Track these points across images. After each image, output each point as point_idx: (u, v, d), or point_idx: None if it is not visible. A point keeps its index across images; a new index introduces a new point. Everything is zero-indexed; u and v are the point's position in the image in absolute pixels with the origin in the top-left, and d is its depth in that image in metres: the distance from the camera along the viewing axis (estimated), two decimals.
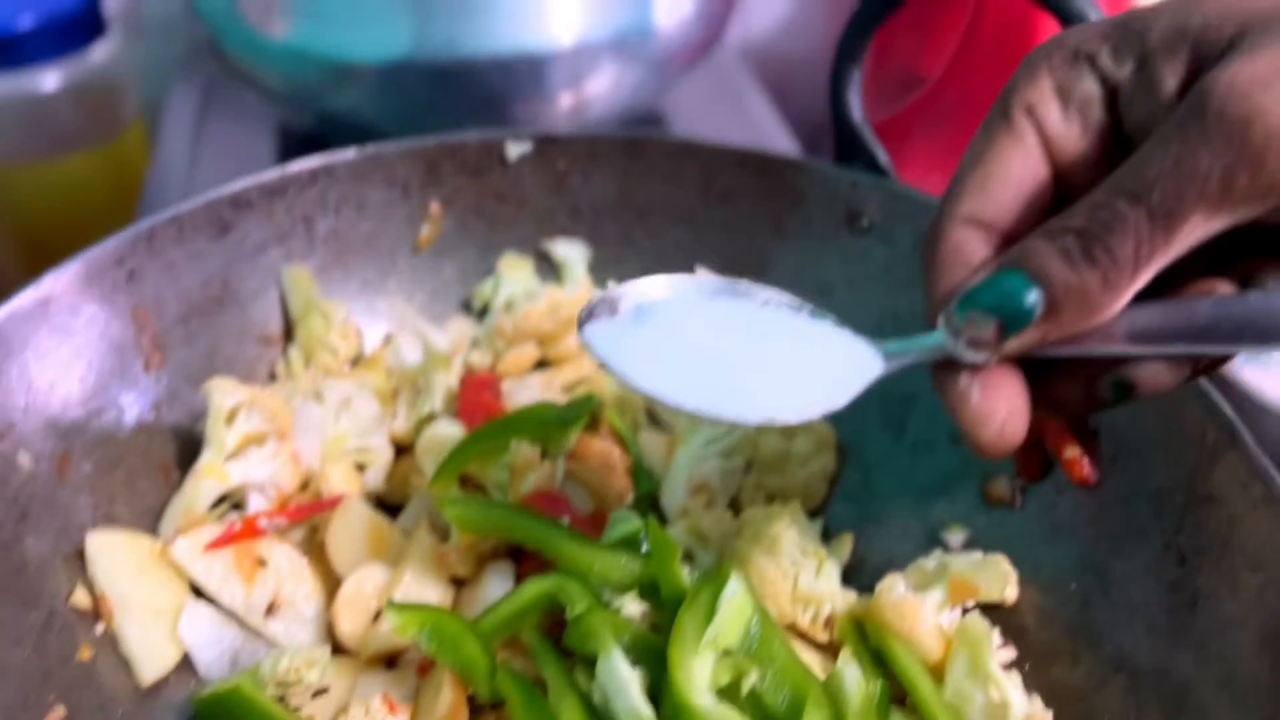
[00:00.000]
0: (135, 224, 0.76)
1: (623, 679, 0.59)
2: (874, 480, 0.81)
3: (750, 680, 0.58)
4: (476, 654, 0.63)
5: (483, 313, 0.88)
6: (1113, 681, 0.64)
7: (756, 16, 1.67)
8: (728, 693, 0.59)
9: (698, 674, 0.58)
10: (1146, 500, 0.67)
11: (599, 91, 1.10)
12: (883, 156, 0.84)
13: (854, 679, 0.60)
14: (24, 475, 0.68)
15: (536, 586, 0.65)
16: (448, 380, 0.80)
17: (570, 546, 0.65)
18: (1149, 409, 0.68)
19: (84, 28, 1.30)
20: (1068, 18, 0.74)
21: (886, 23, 1.48)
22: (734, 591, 0.61)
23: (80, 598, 0.68)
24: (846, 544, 0.77)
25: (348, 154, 0.84)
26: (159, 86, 1.48)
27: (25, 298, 0.71)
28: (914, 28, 1.38)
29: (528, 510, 0.68)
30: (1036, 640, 0.69)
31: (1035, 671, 0.67)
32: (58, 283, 0.72)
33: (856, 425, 0.82)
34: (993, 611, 0.70)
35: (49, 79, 1.28)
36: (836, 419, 0.81)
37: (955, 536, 0.75)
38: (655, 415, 0.84)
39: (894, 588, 0.67)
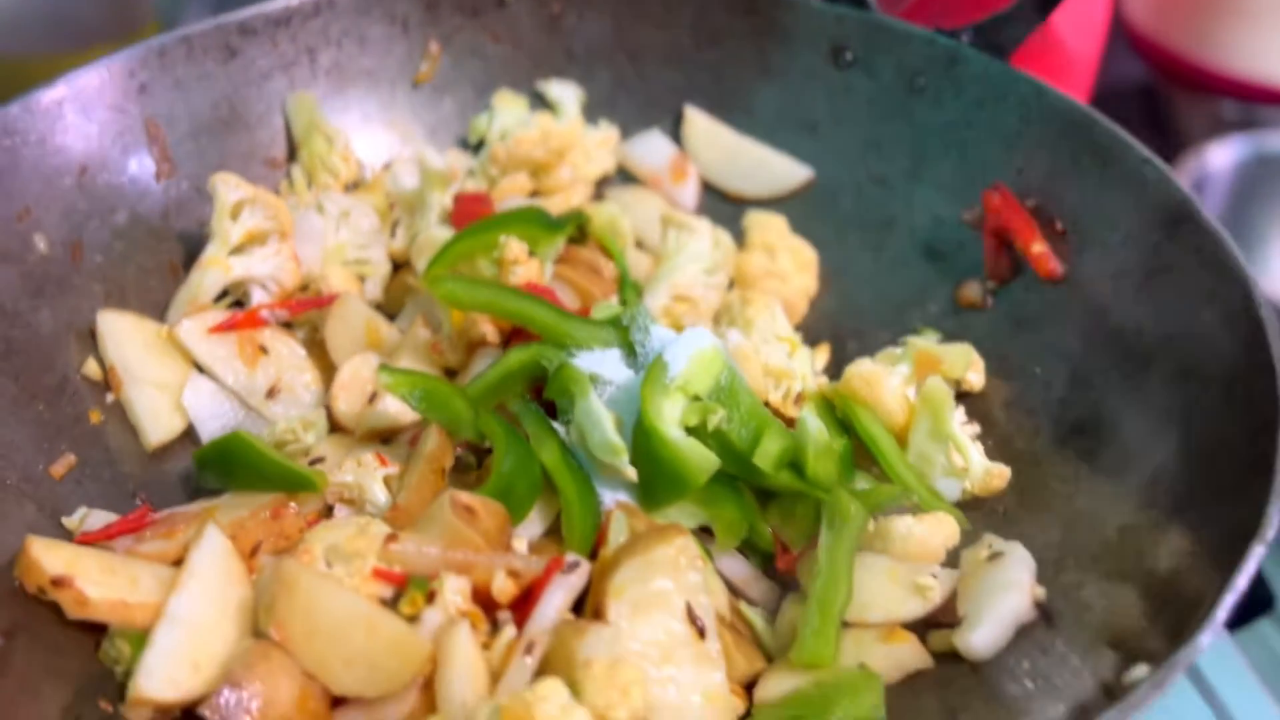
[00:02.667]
0: (145, 41, 0.80)
1: (599, 416, 0.62)
2: (853, 297, 0.84)
3: (716, 419, 0.61)
4: (463, 409, 0.66)
5: (478, 147, 0.91)
6: (1068, 444, 0.67)
7: None
8: (696, 433, 0.62)
9: (668, 410, 0.61)
10: (1108, 281, 0.70)
11: None
12: None
13: (815, 424, 0.63)
14: (39, 255, 0.72)
15: (520, 353, 0.68)
16: (443, 199, 0.84)
17: (552, 318, 0.69)
18: (1109, 196, 0.71)
19: None
20: None
21: None
22: (705, 343, 0.64)
23: (91, 369, 0.72)
24: (824, 352, 0.80)
25: None
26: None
27: (41, 95, 0.75)
28: None
29: (515, 290, 0.71)
30: (1002, 422, 0.72)
31: (1000, 447, 0.70)
32: (71, 86, 0.76)
33: (838, 248, 0.85)
34: (962, 399, 0.73)
35: None
36: (820, 243, 0.85)
37: (929, 338, 0.78)
38: (643, 243, 0.88)
39: (862, 364, 0.70)
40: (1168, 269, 0.67)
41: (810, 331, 0.83)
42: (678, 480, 0.60)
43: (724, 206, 0.90)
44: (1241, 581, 0.48)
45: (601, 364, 0.67)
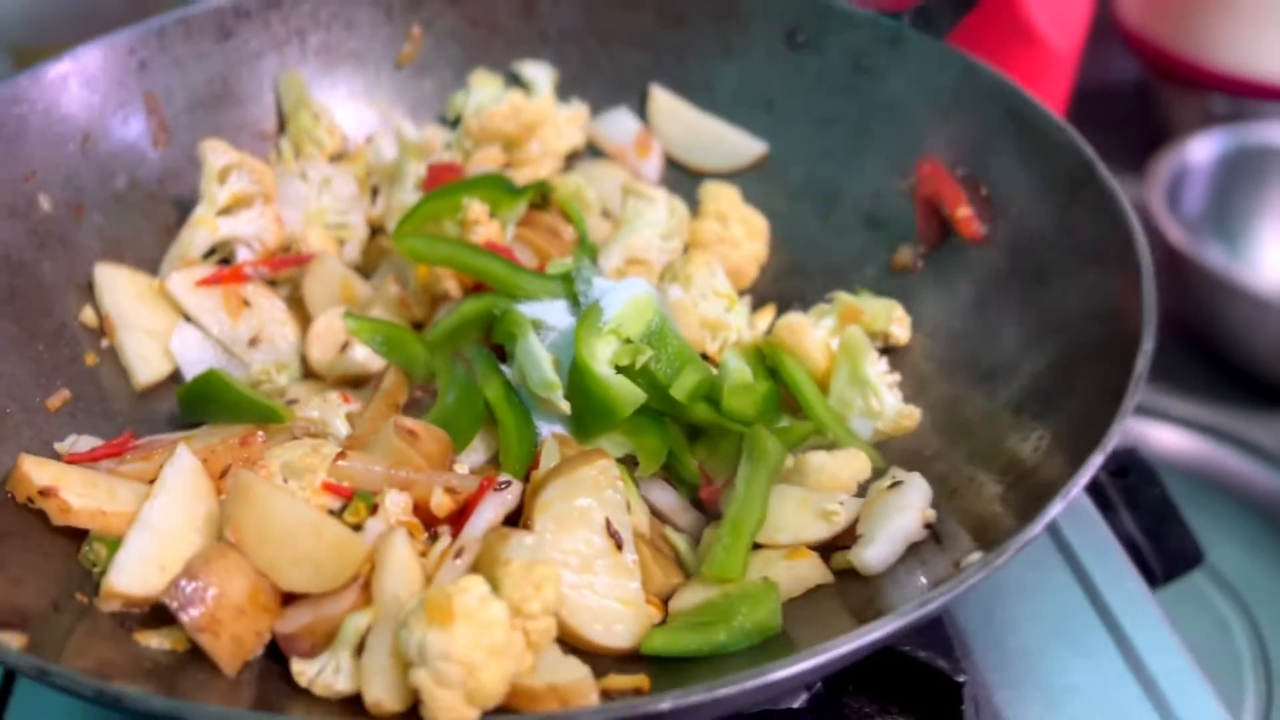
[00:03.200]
0: (145, 21, 0.87)
1: (537, 356, 0.68)
2: (799, 262, 0.89)
3: (643, 358, 0.67)
4: (420, 353, 0.73)
5: (455, 123, 0.98)
6: (978, 389, 0.72)
7: None
8: (626, 372, 0.68)
9: (600, 350, 0.67)
10: (1023, 242, 0.75)
11: None
12: None
13: (735, 364, 0.69)
14: (43, 213, 0.79)
15: (474, 303, 0.74)
16: (419, 170, 0.90)
17: (504, 271, 0.75)
18: (1028, 163, 0.76)
19: None
20: None
21: None
22: (639, 290, 0.70)
23: (88, 316, 0.79)
24: (769, 313, 0.86)
25: None
26: None
27: (48, 68, 0.82)
28: None
29: (474, 246, 0.77)
30: (923, 369, 0.77)
31: (919, 391, 0.75)
32: (76, 61, 0.84)
33: (789, 219, 0.91)
34: (888, 353, 0.78)
35: None
36: (773, 214, 0.91)
37: (862, 299, 0.83)
38: (609, 214, 0.93)
39: (790, 316, 0.75)
40: (1071, 228, 0.71)
41: (759, 294, 0.88)
42: (606, 412, 0.66)
43: (685, 179, 0.96)
44: (1080, 482, 0.53)
45: (548, 312, 0.73)
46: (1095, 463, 0.53)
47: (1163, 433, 1.23)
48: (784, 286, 0.88)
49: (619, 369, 0.68)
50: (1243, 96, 1.65)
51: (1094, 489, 0.87)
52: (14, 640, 0.51)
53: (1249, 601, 1.08)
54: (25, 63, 1.45)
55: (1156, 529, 0.88)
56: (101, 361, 0.78)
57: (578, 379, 0.66)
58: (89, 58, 0.84)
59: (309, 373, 0.80)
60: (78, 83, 0.83)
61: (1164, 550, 0.88)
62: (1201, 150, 1.55)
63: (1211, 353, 1.39)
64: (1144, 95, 1.84)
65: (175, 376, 0.79)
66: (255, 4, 0.92)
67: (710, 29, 0.95)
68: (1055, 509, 0.52)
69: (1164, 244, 1.35)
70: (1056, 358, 0.67)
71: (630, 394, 0.66)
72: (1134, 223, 0.66)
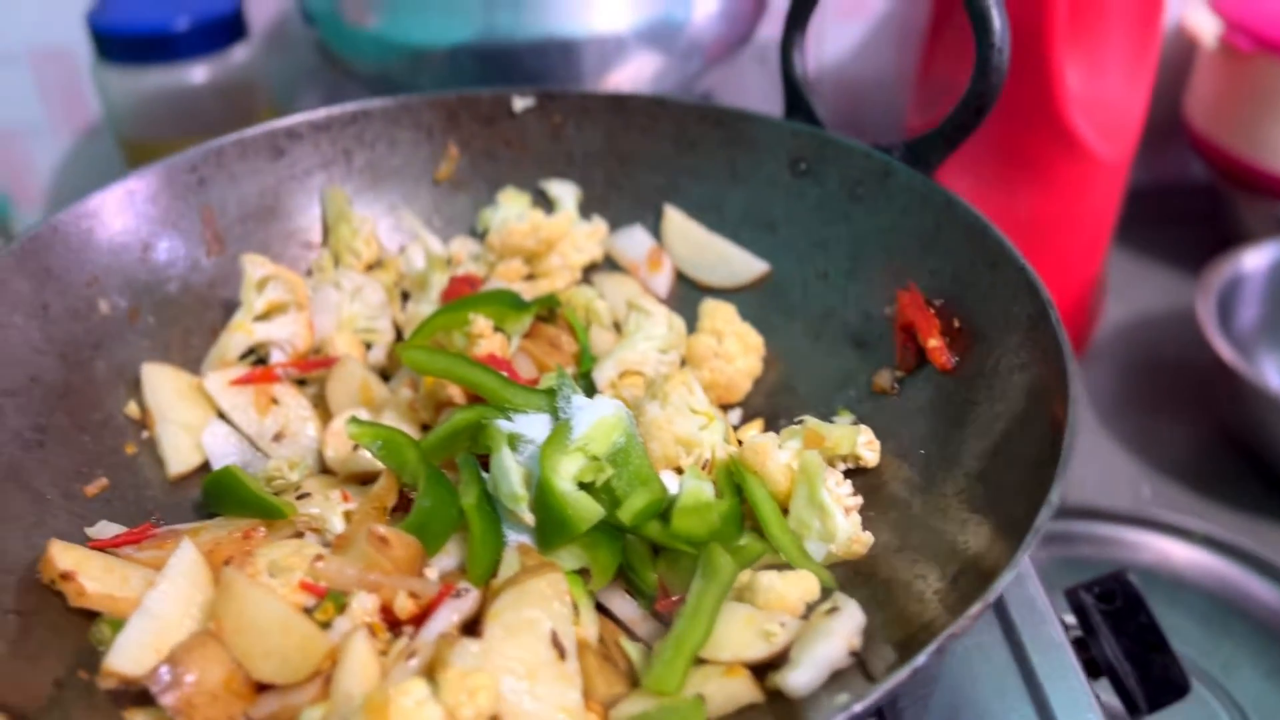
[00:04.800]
0: (206, 142, 0.98)
1: (508, 468, 0.74)
2: (790, 379, 0.94)
3: (603, 476, 0.72)
4: (413, 459, 0.79)
5: (484, 235, 1.06)
6: (940, 513, 0.75)
7: (830, 44, 1.82)
8: (589, 489, 0.73)
9: (564, 468, 0.73)
10: (983, 376, 0.78)
11: (627, 77, 1.28)
12: (820, 110, 0.98)
13: (691, 484, 0.74)
14: (101, 315, 0.89)
15: (465, 414, 0.81)
16: (442, 281, 0.98)
17: (494, 384, 0.81)
18: (995, 299, 0.80)
19: (229, 31, 1.55)
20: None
21: (933, 39, 1.62)
22: (608, 410, 0.75)
23: (132, 409, 0.88)
24: (756, 427, 0.90)
25: (384, 101, 1.04)
26: (289, 90, 1.74)
27: (116, 187, 0.93)
28: (953, 42, 1.51)
29: (470, 360, 0.84)
30: (893, 493, 0.80)
31: (885, 512, 0.79)
32: (142, 179, 0.94)
33: (784, 335, 0.95)
34: (858, 474, 0.82)
35: (198, 72, 1.53)
36: (770, 330, 0.96)
37: (843, 420, 0.87)
38: (620, 324, 1.00)
39: (756, 437, 0.80)
40: (1024, 365, 0.75)
41: (751, 409, 0.93)
42: (564, 526, 0.71)
43: (692, 294, 1.01)
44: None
45: (530, 426, 0.79)
46: (1019, 558, 0.57)
47: (1185, 550, 1.22)
48: (775, 402, 0.93)
49: (582, 485, 0.73)
50: None
51: (1079, 614, 0.88)
52: None
53: None
54: (133, 155, 1.61)
55: (1142, 657, 0.89)
56: (140, 451, 0.87)
57: (540, 493, 0.72)
58: (154, 176, 0.95)
59: (324, 468, 0.87)
60: (142, 198, 0.94)
61: (1149, 679, 0.88)
62: (1256, 259, 1.54)
63: (1264, 468, 1.37)
64: (1213, 198, 1.83)
65: (205, 467, 0.88)
66: (306, 126, 1.02)
67: (721, 155, 1.02)
68: (939, 642, 0.56)
69: (1213, 357, 1.35)
70: (998, 480, 0.70)
71: (588, 510, 0.71)
72: (1072, 366, 0.69)
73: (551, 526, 0.72)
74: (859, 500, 0.78)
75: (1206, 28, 1.68)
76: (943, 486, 0.76)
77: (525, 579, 0.67)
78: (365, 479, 0.86)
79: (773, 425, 0.90)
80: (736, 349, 0.93)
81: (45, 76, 1.71)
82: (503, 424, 0.77)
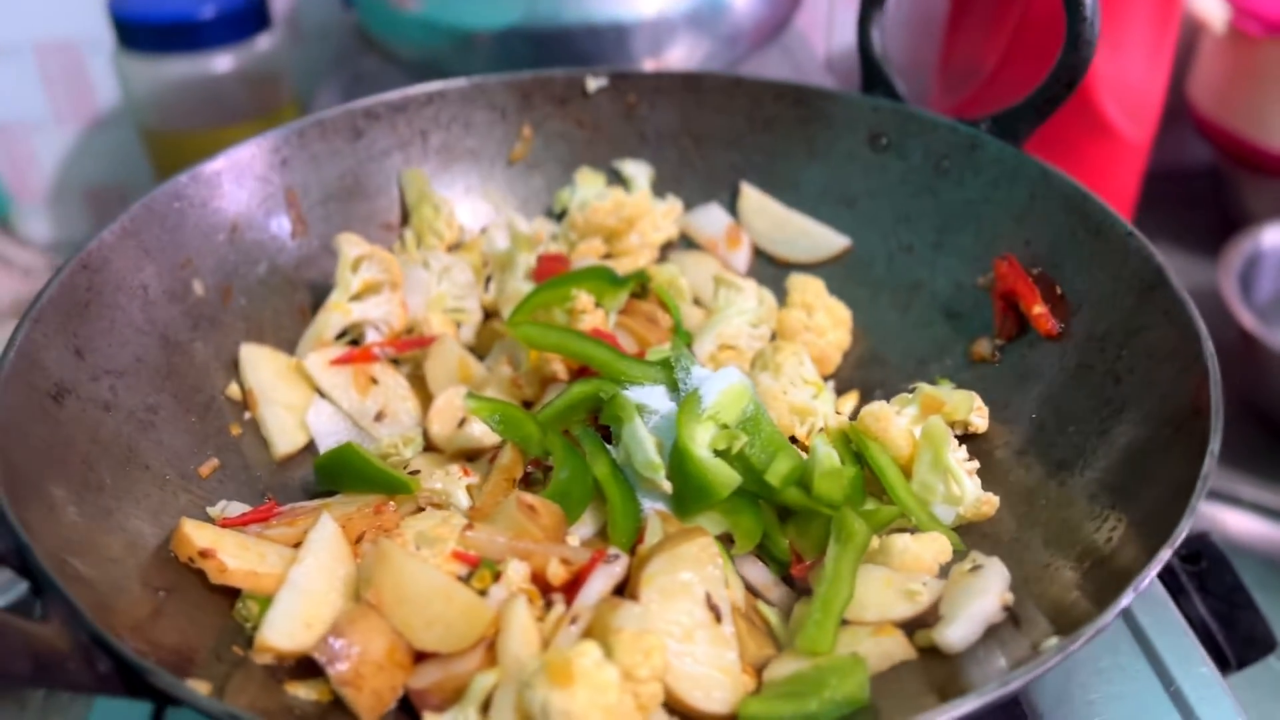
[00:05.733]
0: (287, 124, 0.97)
1: (642, 438, 0.75)
2: (882, 352, 0.95)
3: (739, 443, 0.73)
4: (534, 431, 0.80)
5: (561, 216, 1.06)
6: (1053, 478, 0.77)
7: (839, 33, 1.84)
8: (723, 456, 0.74)
9: (699, 435, 0.74)
10: (1095, 340, 0.80)
11: (675, 58, 1.28)
12: (900, 86, 1.00)
13: (824, 449, 0.74)
14: (196, 297, 0.88)
15: (583, 386, 0.81)
16: (529, 259, 0.98)
17: (610, 357, 0.82)
18: (1100, 265, 0.82)
19: (253, 20, 1.54)
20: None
21: (955, 19, 1.63)
22: (734, 379, 0.76)
23: (233, 391, 0.87)
24: (852, 398, 0.91)
25: (459, 82, 1.04)
26: (310, 80, 1.73)
27: (203, 169, 0.92)
28: (975, 26, 1.54)
29: (582, 334, 0.84)
30: (1002, 459, 0.82)
31: (996, 478, 0.80)
32: (229, 159, 0.93)
33: (870, 308, 0.97)
34: (967, 440, 0.83)
35: (222, 61, 1.52)
36: (855, 303, 0.97)
37: (943, 388, 0.88)
38: (700, 301, 1.00)
39: (875, 405, 0.81)
40: (1143, 328, 0.76)
41: (842, 381, 0.94)
42: (704, 493, 0.72)
43: (771, 270, 1.02)
44: (1149, 574, 0.58)
45: (650, 397, 0.80)
46: (1164, 556, 0.58)
47: (1237, 517, 1.25)
48: (866, 374, 0.94)
49: (716, 453, 0.74)
50: None
51: (1166, 573, 0.90)
52: (202, 686, 0.58)
53: None
54: (155, 145, 1.59)
55: (1229, 615, 0.91)
56: (244, 432, 0.86)
57: (678, 461, 0.73)
58: (240, 156, 0.94)
59: (429, 446, 0.87)
60: (229, 179, 0.93)
61: (1237, 636, 0.91)
62: (1275, 236, 1.58)
63: None
64: (1217, 179, 1.87)
65: (309, 447, 0.87)
66: (383, 107, 1.01)
67: (798, 133, 1.03)
68: (1126, 599, 0.57)
69: (1237, 328, 1.39)
70: (1128, 451, 0.72)
71: (727, 477, 0.72)
72: (1202, 329, 0.71)
73: (691, 493, 0.72)
74: (976, 463, 0.80)
75: (1214, 13, 1.72)
76: (1063, 453, 0.77)
77: (676, 543, 0.68)
78: (471, 455, 0.86)
79: (868, 396, 0.92)
80: (827, 322, 0.94)
81: (50, 69, 1.68)
82: (631, 396, 0.78)
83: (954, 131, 0.94)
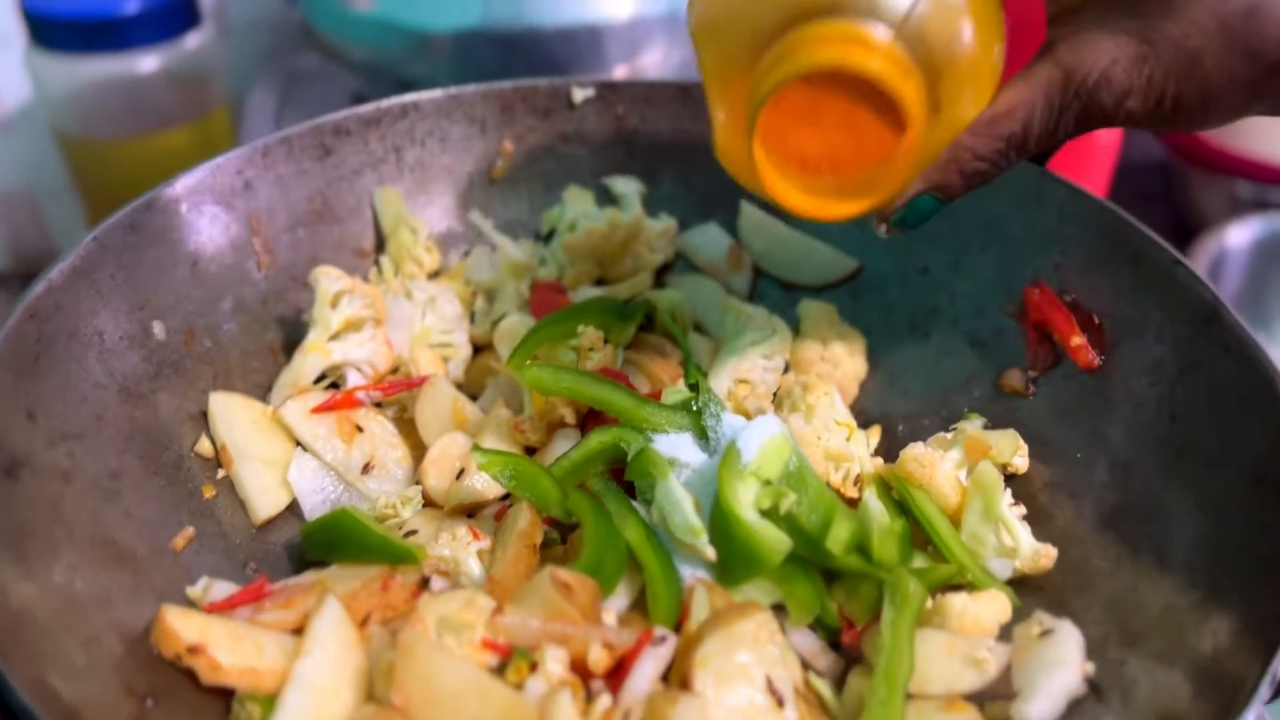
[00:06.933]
0: (251, 142, 0.87)
1: (679, 498, 0.68)
2: (901, 381, 0.89)
3: (787, 503, 0.67)
4: (550, 488, 0.72)
5: (549, 237, 0.98)
6: (1110, 526, 0.72)
7: None
8: (768, 515, 0.68)
9: (743, 495, 0.67)
10: (1143, 374, 0.76)
11: (651, 62, 1.21)
12: None
13: (878, 507, 0.69)
14: (157, 341, 0.79)
15: (601, 436, 0.74)
16: (520, 288, 0.90)
17: (630, 403, 0.75)
18: (1143, 294, 0.77)
19: (181, 16, 1.42)
20: None
21: None
22: (774, 431, 0.70)
23: (204, 446, 0.78)
24: (875, 434, 0.86)
25: (434, 93, 0.95)
26: (243, 80, 1.61)
27: (159, 196, 0.82)
28: None
29: (596, 376, 0.77)
30: (1045, 503, 0.77)
31: (1043, 525, 0.75)
32: (186, 185, 0.83)
33: (885, 334, 0.91)
34: (1007, 481, 0.78)
35: (148, 62, 1.40)
36: (868, 329, 0.91)
37: (973, 423, 0.83)
38: (701, 328, 0.94)
39: (916, 448, 0.76)
40: (1199, 364, 0.72)
41: (862, 414, 0.88)
42: (754, 560, 0.65)
43: (777, 293, 0.96)
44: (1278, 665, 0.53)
45: (677, 448, 0.73)
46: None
47: None
48: (887, 406, 0.89)
49: (762, 513, 0.68)
50: (1268, 183, 1.69)
51: None
52: None
53: None
54: (72, 153, 1.46)
55: None
56: (219, 494, 0.77)
57: (723, 524, 0.66)
58: (199, 181, 0.84)
59: (424, 500, 0.79)
60: (187, 206, 0.83)
61: None
62: (1239, 235, 1.58)
63: None
64: (1168, 176, 1.87)
65: (291, 506, 0.78)
66: (354, 121, 0.92)
67: None
68: (1262, 691, 0.52)
69: None
70: (1199, 504, 0.67)
71: (778, 542, 0.66)
72: (1271, 366, 0.67)
73: (739, 561, 0.66)
74: (1023, 509, 0.75)
75: None
76: (1119, 497, 0.73)
77: (731, 621, 0.62)
78: (472, 510, 0.78)
79: (891, 432, 0.86)
80: (842, 351, 0.89)
81: None
82: (659, 448, 0.71)
83: None
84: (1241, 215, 1.63)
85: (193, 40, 1.44)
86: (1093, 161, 1.50)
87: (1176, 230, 1.60)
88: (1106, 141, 1.50)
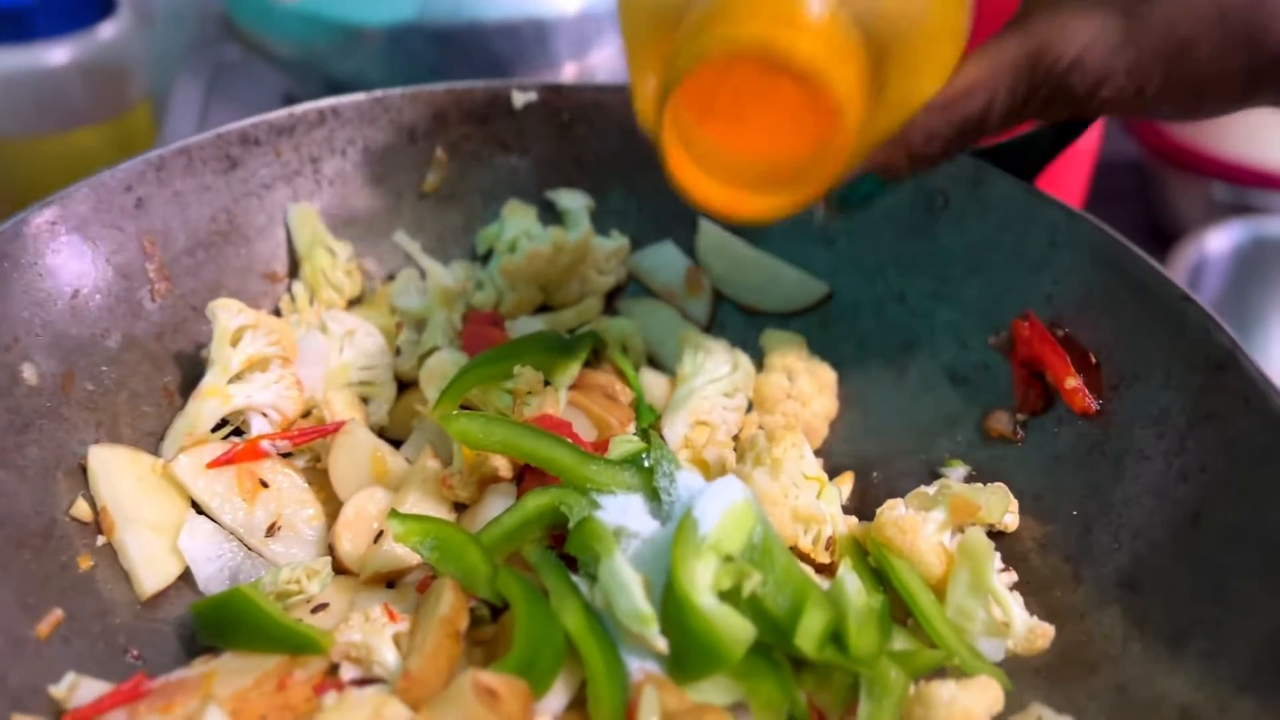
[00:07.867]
0: (145, 153, 0.77)
1: (625, 580, 0.59)
2: (876, 421, 0.81)
3: (751, 584, 0.58)
4: (478, 562, 0.63)
5: (486, 257, 0.89)
6: (1114, 600, 0.64)
7: None
8: (729, 598, 0.59)
9: (700, 575, 0.58)
10: (1148, 423, 0.67)
11: (602, 60, 1.12)
12: None
13: (854, 586, 0.60)
14: (28, 388, 0.68)
15: (539, 498, 0.65)
16: (452, 317, 0.81)
17: (572, 459, 0.66)
18: (1147, 332, 0.69)
19: (93, 5, 1.31)
20: None
21: None
22: (736, 497, 0.61)
23: (81, 509, 0.68)
24: (847, 481, 0.77)
25: (356, 97, 0.85)
26: (164, 73, 1.50)
27: (30, 220, 0.71)
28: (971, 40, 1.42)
29: (532, 427, 0.68)
30: (1038, 566, 0.69)
31: (1037, 595, 0.67)
32: (67, 204, 0.73)
33: (858, 368, 0.83)
34: (994, 540, 0.70)
35: (58, 53, 1.28)
36: (839, 362, 0.82)
37: (956, 472, 0.75)
38: (656, 359, 0.85)
39: (895, 508, 0.67)
40: (1213, 416, 0.64)
41: (832, 458, 0.80)
42: (712, 654, 0.56)
43: (739, 320, 0.87)
44: None
45: (625, 512, 0.64)
46: None
47: None
48: (860, 448, 0.80)
49: (721, 594, 0.59)
50: (1244, 185, 1.63)
51: None
52: None
53: None
54: None
55: None
56: (97, 564, 0.67)
57: (676, 611, 0.57)
58: (82, 198, 0.74)
59: (337, 566, 0.70)
60: (66, 229, 0.73)
61: None
62: (1219, 241, 1.52)
63: None
64: (1143, 178, 1.81)
65: (185, 577, 0.69)
66: (265, 129, 0.82)
67: None
68: None
69: None
70: (1216, 578, 0.59)
71: (740, 632, 0.57)
72: None
73: (695, 654, 0.57)
74: (1014, 576, 0.67)
75: None
76: (1122, 563, 0.65)
77: None
78: (391, 579, 0.69)
79: (864, 477, 0.78)
80: (810, 388, 0.80)
81: None
82: (605, 517, 0.62)
83: (954, 162, 0.80)
84: (1218, 217, 1.58)
85: (107, 30, 1.33)
86: (1069, 167, 1.42)
87: (1152, 233, 1.54)
88: (1084, 147, 1.42)
